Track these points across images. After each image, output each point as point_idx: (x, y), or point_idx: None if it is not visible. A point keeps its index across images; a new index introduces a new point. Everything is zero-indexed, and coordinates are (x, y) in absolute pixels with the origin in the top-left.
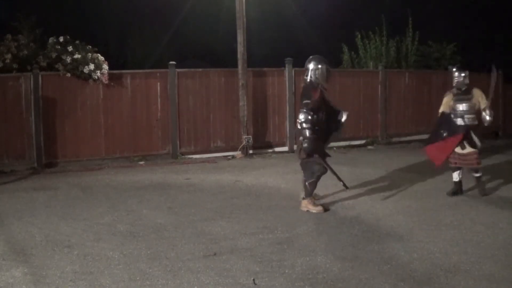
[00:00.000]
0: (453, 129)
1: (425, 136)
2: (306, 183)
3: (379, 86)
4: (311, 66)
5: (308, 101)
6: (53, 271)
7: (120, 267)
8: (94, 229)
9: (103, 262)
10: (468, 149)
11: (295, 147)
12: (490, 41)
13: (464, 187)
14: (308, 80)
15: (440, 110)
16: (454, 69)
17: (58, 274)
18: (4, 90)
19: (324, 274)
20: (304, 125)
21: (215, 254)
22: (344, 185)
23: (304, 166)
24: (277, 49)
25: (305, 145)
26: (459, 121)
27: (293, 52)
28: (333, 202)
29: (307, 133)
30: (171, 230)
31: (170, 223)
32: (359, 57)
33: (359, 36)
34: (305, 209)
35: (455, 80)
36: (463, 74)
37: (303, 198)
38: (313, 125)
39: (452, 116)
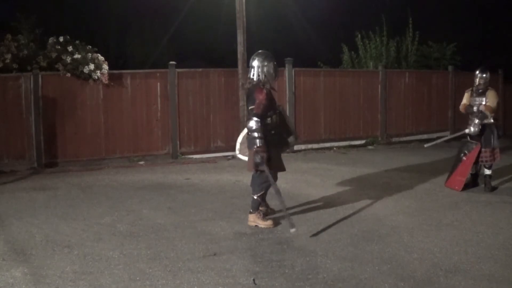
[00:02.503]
0: (468, 147)
1: (425, 136)
2: (255, 197)
3: (379, 86)
4: (256, 63)
5: (253, 107)
6: (53, 271)
7: (120, 267)
8: (94, 229)
9: (103, 262)
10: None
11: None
12: (490, 41)
13: (465, 187)
14: (255, 79)
15: (462, 103)
16: (477, 71)
17: (58, 274)
18: (4, 90)
19: (324, 274)
20: (254, 134)
21: (215, 254)
22: (290, 223)
23: (253, 179)
24: (277, 49)
25: (255, 156)
26: (470, 128)
27: (293, 52)
28: (333, 202)
29: (258, 142)
30: (171, 230)
31: (170, 223)
32: (359, 57)
33: (359, 36)
34: (253, 224)
35: (476, 80)
36: (484, 75)
37: (250, 212)
38: (263, 132)
39: (469, 114)
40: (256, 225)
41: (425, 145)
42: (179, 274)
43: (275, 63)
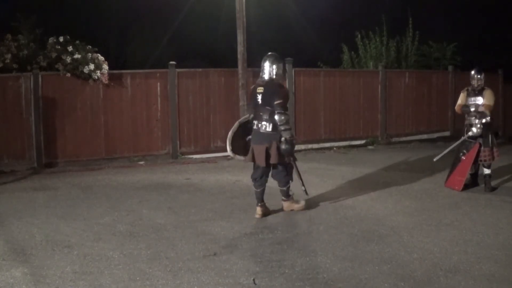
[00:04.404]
0: (467, 146)
1: (425, 136)
2: (285, 188)
3: (379, 86)
4: (267, 63)
5: (281, 101)
6: (53, 271)
7: (120, 267)
8: (94, 229)
9: (103, 262)
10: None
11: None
12: (490, 41)
13: (464, 187)
14: (267, 78)
15: (458, 103)
16: (473, 72)
17: (58, 274)
18: (4, 90)
19: (324, 274)
20: (283, 127)
21: (215, 254)
22: (305, 191)
23: (279, 173)
24: (277, 49)
25: (287, 146)
26: (473, 130)
27: (293, 52)
28: (333, 202)
29: (288, 134)
30: (171, 230)
31: (170, 223)
32: (359, 57)
33: (359, 36)
34: (289, 209)
35: (472, 80)
36: (479, 76)
37: (284, 200)
38: (290, 125)
39: (465, 114)
40: (291, 210)
41: (434, 159)
42: (179, 274)
43: (284, 63)
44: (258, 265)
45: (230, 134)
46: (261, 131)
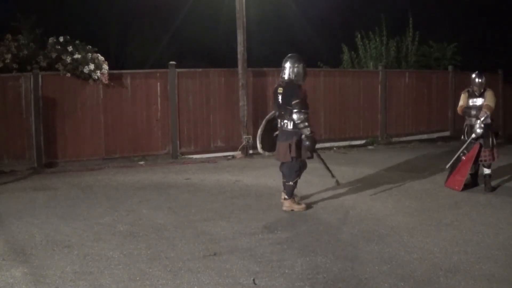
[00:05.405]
0: (468, 147)
1: (425, 136)
2: (291, 183)
3: (379, 86)
4: (288, 64)
5: (298, 100)
6: (53, 271)
7: (120, 267)
8: (94, 229)
9: (103, 262)
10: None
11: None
12: (490, 41)
13: (464, 187)
14: (287, 78)
15: (459, 104)
16: (474, 76)
17: (58, 274)
18: (4, 90)
19: (324, 274)
20: (302, 124)
21: (215, 254)
22: (337, 181)
23: (290, 168)
24: (277, 49)
25: (307, 143)
26: (477, 131)
27: (293, 52)
28: (333, 202)
29: (308, 131)
30: (171, 230)
31: (170, 223)
32: (359, 57)
33: (359, 36)
34: (289, 209)
35: (474, 86)
36: (480, 80)
37: (285, 199)
38: (309, 122)
39: (466, 115)
40: (292, 210)
41: (446, 166)
42: (179, 274)
43: (305, 64)
44: (258, 265)
45: (259, 131)
46: (284, 129)
